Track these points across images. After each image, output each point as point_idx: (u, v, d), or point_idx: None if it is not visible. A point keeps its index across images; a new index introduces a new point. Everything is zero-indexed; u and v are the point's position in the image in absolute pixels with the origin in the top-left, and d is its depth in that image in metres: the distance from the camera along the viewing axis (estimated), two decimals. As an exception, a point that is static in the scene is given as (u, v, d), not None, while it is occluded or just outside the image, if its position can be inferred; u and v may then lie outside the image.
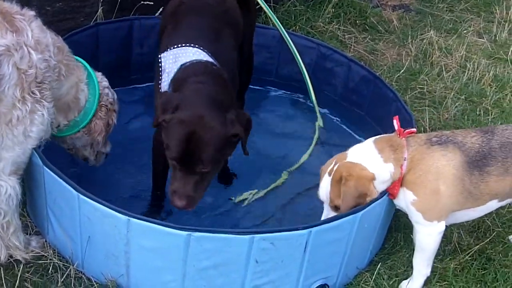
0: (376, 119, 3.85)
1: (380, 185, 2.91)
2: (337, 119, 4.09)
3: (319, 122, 4.00)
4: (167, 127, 2.79)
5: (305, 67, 4.14)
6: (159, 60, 3.07)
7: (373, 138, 2.99)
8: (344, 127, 4.04)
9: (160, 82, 3.06)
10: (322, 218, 2.94)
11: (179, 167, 2.79)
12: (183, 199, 2.80)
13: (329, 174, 2.90)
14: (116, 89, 3.87)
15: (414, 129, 2.95)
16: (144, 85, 4.01)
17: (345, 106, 4.08)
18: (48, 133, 2.84)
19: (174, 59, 3.03)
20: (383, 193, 2.96)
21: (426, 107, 4.26)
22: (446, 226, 2.96)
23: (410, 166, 2.87)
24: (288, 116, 4.11)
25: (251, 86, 3.99)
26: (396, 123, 2.97)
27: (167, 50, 3.07)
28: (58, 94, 2.87)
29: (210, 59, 3.02)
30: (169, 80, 3.00)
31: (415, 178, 2.87)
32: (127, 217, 2.68)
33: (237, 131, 2.81)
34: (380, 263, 3.15)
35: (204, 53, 3.03)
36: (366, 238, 3.06)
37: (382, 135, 3.02)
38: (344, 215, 2.84)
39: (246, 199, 3.44)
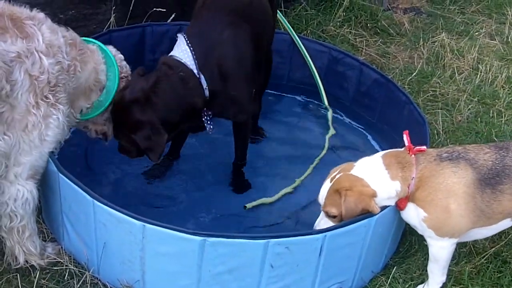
0: (389, 123, 3.86)
1: (384, 201, 2.88)
2: (350, 122, 4.09)
3: (331, 131, 3.99)
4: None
5: (317, 71, 4.15)
6: (176, 38, 3.27)
7: (382, 152, 2.96)
8: (356, 131, 4.04)
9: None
10: (316, 222, 2.93)
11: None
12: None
13: (331, 181, 2.88)
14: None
15: (424, 147, 2.90)
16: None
17: (357, 110, 4.08)
18: (64, 135, 2.88)
19: (176, 46, 3.24)
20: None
21: (439, 110, 4.25)
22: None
23: (419, 184, 2.84)
24: (300, 121, 4.12)
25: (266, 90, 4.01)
26: (406, 138, 2.91)
27: (181, 34, 3.26)
28: (78, 85, 2.92)
29: (190, 62, 3.15)
30: None
31: (425, 196, 2.84)
32: (142, 223, 2.70)
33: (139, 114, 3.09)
34: (395, 267, 3.15)
35: (190, 54, 3.16)
36: (381, 242, 3.06)
37: (391, 150, 2.97)
38: (359, 219, 2.84)
39: (258, 205, 3.45)
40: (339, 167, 2.94)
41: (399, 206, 2.92)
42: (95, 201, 2.77)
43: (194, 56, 3.15)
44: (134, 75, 3.21)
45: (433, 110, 4.27)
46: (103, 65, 3.05)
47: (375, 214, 2.86)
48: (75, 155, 3.50)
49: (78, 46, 2.91)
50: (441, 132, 4.05)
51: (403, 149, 2.92)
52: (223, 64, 3.21)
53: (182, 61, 3.15)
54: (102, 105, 3.10)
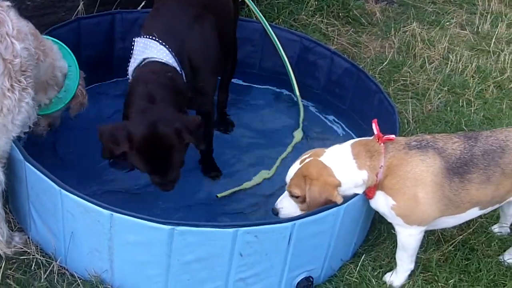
0: (359, 112, 3.87)
1: (351, 190, 2.90)
2: (320, 111, 4.10)
3: (301, 120, 4.01)
4: (129, 156, 2.99)
5: (288, 60, 4.15)
6: (132, 44, 3.21)
7: (352, 141, 2.97)
8: (327, 120, 4.05)
9: (128, 64, 3.21)
10: (278, 200, 2.96)
11: (154, 175, 3.08)
12: (168, 186, 3.12)
13: (300, 163, 2.90)
14: (99, 84, 3.95)
15: (393, 136, 2.91)
16: (126, 78, 3.96)
17: (328, 99, 4.09)
18: (30, 120, 2.88)
19: (142, 49, 3.17)
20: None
21: (409, 99, 4.28)
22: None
23: (388, 172, 2.85)
24: (271, 110, 4.12)
25: (234, 81, 4.00)
26: (375, 127, 2.93)
27: (141, 36, 3.20)
28: (38, 76, 2.94)
29: (172, 59, 3.12)
30: (133, 68, 3.17)
31: (394, 184, 2.85)
32: (110, 212, 2.68)
33: (188, 140, 3.02)
34: (364, 255, 3.17)
35: (168, 52, 3.13)
36: (350, 230, 3.07)
37: (361, 139, 2.99)
38: (328, 208, 2.85)
39: (230, 194, 3.46)
40: (311, 151, 2.96)
41: (368, 194, 2.94)
42: (62, 190, 2.74)
43: (173, 54, 3.13)
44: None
45: (403, 99, 4.30)
46: (59, 62, 3.10)
47: (346, 202, 2.87)
48: (43, 144, 3.45)
49: (39, 37, 2.95)
50: (411, 121, 4.08)
51: (372, 137, 2.94)
52: (193, 58, 3.22)
53: (164, 61, 3.12)
54: (62, 102, 3.16)
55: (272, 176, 3.61)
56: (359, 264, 3.11)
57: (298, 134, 3.92)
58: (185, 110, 3.17)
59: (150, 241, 2.71)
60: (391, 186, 2.86)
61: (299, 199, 2.89)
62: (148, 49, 3.15)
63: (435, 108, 4.27)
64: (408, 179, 2.83)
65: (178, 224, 2.66)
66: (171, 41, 3.16)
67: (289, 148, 3.79)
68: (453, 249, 3.25)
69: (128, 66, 3.23)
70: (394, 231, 3.06)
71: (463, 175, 2.85)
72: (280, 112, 4.10)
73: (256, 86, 4.24)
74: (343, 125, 3.97)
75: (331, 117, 4.06)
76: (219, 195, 3.44)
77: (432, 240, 3.30)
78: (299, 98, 4.12)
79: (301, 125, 3.97)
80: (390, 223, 3.02)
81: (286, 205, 2.94)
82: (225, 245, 2.72)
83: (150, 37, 3.16)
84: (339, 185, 2.86)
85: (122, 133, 2.95)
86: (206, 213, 3.35)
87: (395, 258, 3.08)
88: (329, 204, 2.86)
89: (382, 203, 2.93)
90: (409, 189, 2.84)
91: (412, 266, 3.06)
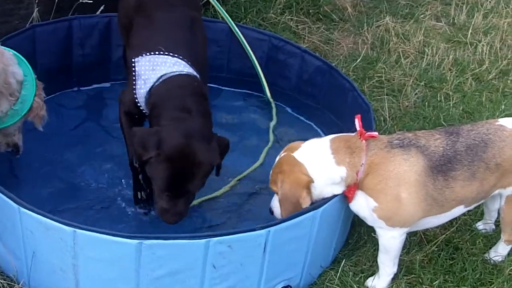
0: (333, 110, 3.88)
1: (327, 189, 2.90)
2: (293, 112, 4.11)
3: (272, 124, 4.01)
4: (153, 163, 2.91)
5: (257, 60, 4.14)
6: (133, 65, 3.11)
7: (332, 136, 2.97)
8: (301, 120, 4.06)
9: (134, 88, 3.11)
10: (271, 201, 2.99)
11: (167, 196, 2.96)
12: (175, 216, 3.00)
13: (278, 158, 2.94)
14: (57, 94, 3.90)
15: (376, 133, 2.92)
16: (88, 87, 3.99)
17: (300, 99, 4.09)
18: None
19: (151, 67, 3.09)
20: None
21: (385, 96, 4.29)
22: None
23: (369, 170, 2.85)
24: (241, 114, 4.11)
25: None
26: (357, 123, 2.93)
27: (142, 55, 3.11)
28: None
29: (191, 69, 3.10)
30: (147, 89, 3.08)
31: (375, 184, 2.85)
32: (72, 228, 2.64)
33: (217, 163, 3.01)
34: (344, 260, 3.17)
35: (184, 63, 3.10)
36: (328, 235, 3.07)
37: (342, 134, 2.98)
38: (304, 212, 2.85)
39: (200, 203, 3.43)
40: (288, 146, 2.98)
41: (348, 196, 2.93)
42: (21, 208, 2.70)
43: (189, 63, 3.11)
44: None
45: (379, 96, 4.31)
46: (13, 67, 3.01)
47: (323, 205, 2.87)
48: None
49: None
50: (387, 118, 4.09)
51: (354, 134, 2.94)
52: (201, 63, 3.23)
53: (185, 72, 3.08)
54: (18, 115, 3.07)
55: (248, 178, 3.60)
56: (340, 270, 3.10)
57: (270, 139, 3.92)
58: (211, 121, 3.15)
59: (117, 257, 2.68)
60: (373, 186, 2.86)
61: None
62: (161, 66, 3.08)
63: (412, 104, 4.28)
64: (391, 178, 2.83)
65: (146, 238, 2.63)
66: (181, 51, 3.12)
67: (263, 155, 3.78)
68: (437, 249, 3.25)
69: (135, 90, 3.12)
70: (375, 234, 3.06)
71: (447, 172, 2.85)
72: (250, 116, 4.10)
73: (225, 89, 4.23)
74: (317, 125, 3.97)
75: (304, 117, 4.07)
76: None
77: (414, 240, 3.30)
78: (270, 98, 4.13)
79: (271, 128, 3.97)
80: (371, 226, 3.02)
81: (276, 204, 2.96)
82: (197, 257, 2.70)
83: (157, 52, 3.09)
84: (310, 182, 2.85)
85: (153, 138, 2.90)
86: (178, 225, 3.23)
87: (377, 262, 3.07)
88: (298, 207, 2.85)
89: (362, 205, 2.92)
90: (392, 189, 2.83)
91: (395, 269, 3.06)
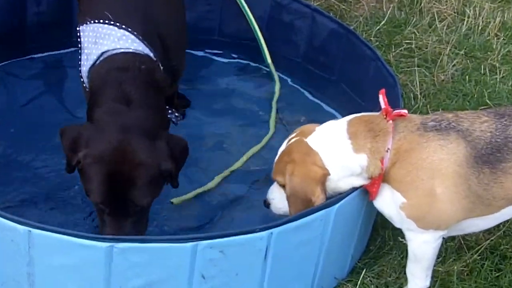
0: (350, 85, 3.90)
1: (347, 181, 2.92)
2: (301, 87, 4.12)
3: (275, 99, 4.03)
4: (82, 167, 2.90)
5: (256, 21, 4.15)
6: (78, 34, 3.14)
7: (351, 116, 2.97)
8: (310, 97, 4.08)
9: (80, 63, 3.15)
10: (269, 190, 3.02)
11: (108, 210, 2.91)
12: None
13: (287, 143, 2.96)
14: (8, 62, 3.91)
15: (405, 111, 2.92)
16: (44, 54, 4.02)
17: (310, 70, 4.10)
18: None
19: (94, 39, 3.10)
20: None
21: (416, 68, 4.30)
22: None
23: (396, 158, 2.85)
24: (236, 89, 4.13)
25: (188, 52, 3.98)
26: (382, 99, 2.93)
27: (86, 23, 3.13)
28: None
29: (141, 46, 3.08)
30: (88, 67, 3.10)
31: (403, 176, 2.86)
32: (27, 227, 2.65)
33: (169, 168, 2.94)
34: (364, 270, 3.18)
35: (133, 37, 3.09)
36: (345, 239, 3.08)
37: (363, 114, 2.98)
38: (315, 210, 2.85)
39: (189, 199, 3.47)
40: (300, 128, 3.00)
41: (371, 190, 2.94)
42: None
43: (140, 37, 3.10)
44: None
45: (408, 68, 4.32)
46: None
47: (339, 201, 2.88)
48: None
49: None
50: (418, 95, 4.10)
51: (378, 113, 2.94)
52: (165, 34, 3.23)
53: (131, 50, 3.07)
54: None
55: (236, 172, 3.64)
56: (359, 283, 3.12)
57: (272, 121, 3.95)
58: (167, 115, 3.16)
59: (82, 264, 2.68)
60: (400, 178, 2.87)
61: (285, 189, 2.93)
62: (104, 39, 3.08)
63: (450, 78, 4.29)
64: (423, 169, 2.84)
65: (118, 240, 2.64)
66: (132, 20, 3.12)
67: (263, 141, 3.82)
68: (479, 257, 3.27)
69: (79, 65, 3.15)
70: (403, 238, 3.07)
71: (495, 164, 2.85)
72: (247, 91, 4.11)
73: (217, 57, 4.25)
74: (330, 104, 4.00)
75: (314, 93, 4.09)
76: (174, 201, 3.44)
77: (452, 247, 3.32)
78: (273, 70, 4.13)
79: (273, 108, 3.98)
80: (398, 228, 3.03)
81: (277, 196, 2.99)
82: (182, 265, 2.71)
83: (102, 21, 3.10)
84: (326, 176, 2.87)
85: (83, 136, 2.90)
86: (161, 225, 3.36)
87: (405, 273, 3.09)
88: (310, 204, 2.86)
89: (387, 201, 2.93)
90: (424, 182, 2.84)
91: (427, 283, 3.07)
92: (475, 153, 2.84)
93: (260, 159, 3.69)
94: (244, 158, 3.69)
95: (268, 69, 4.18)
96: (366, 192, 2.99)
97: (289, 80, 4.16)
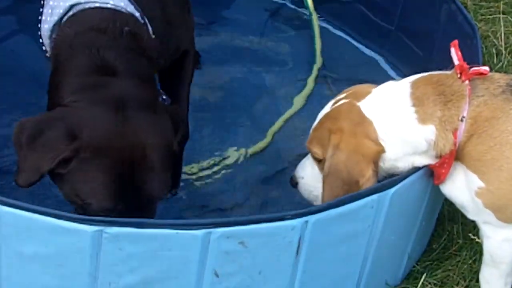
0: (415, 35, 3.94)
1: (407, 161, 2.94)
2: (349, 36, 4.18)
3: (318, 52, 4.09)
4: (72, 171, 2.80)
5: None
6: None
7: (416, 77, 2.99)
8: (360, 49, 4.14)
9: (40, 18, 3.11)
10: (299, 164, 3.08)
11: (115, 215, 2.83)
12: None
13: (331, 107, 2.99)
14: None
15: (486, 68, 2.92)
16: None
17: (361, 15, 4.16)
18: None
19: None
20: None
21: (501, 15, 4.33)
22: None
23: (473, 130, 2.87)
24: (268, 37, 4.20)
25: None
26: (454, 53, 2.94)
27: None
28: None
29: (122, 1, 3.06)
30: (52, 25, 3.07)
31: (482, 153, 2.87)
32: (-9, 205, 2.67)
33: (175, 144, 2.96)
34: (424, 275, 3.21)
35: None
36: (401, 234, 3.10)
37: (430, 73, 2.99)
38: (363, 194, 2.86)
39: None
40: (352, 88, 3.04)
41: (438, 173, 2.95)
42: None
43: None
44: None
45: (490, 15, 4.35)
46: None
47: (395, 185, 2.89)
48: None
49: None
50: (503, 50, 4.12)
51: (450, 71, 2.95)
52: None
53: (110, 6, 3.03)
54: None
55: (266, 149, 3.71)
56: (417, 291, 3.16)
57: (311, 81, 3.99)
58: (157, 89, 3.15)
59: (62, 253, 2.71)
60: (478, 155, 2.88)
61: (322, 165, 2.95)
62: None
63: (545, 29, 4.31)
64: (509, 144, 2.85)
65: (110, 223, 2.65)
66: None
67: (296, 104, 3.88)
68: None
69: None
70: (476, 235, 3.10)
71: None
72: (281, 38, 4.16)
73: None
74: (387, 58, 4.04)
75: (367, 44, 4.16)
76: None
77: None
78: (314, 14, 4.15)
79: (319, 60, 3.99)
80: (472, 221, 3.05)
81: (308, 173, 3.02)
82: (190, 258, 2.73)
83: None
84: (381, 153, 2.89)
85: (58, 128, 2.79)
86: (168, 208, 3.41)
87: (477, 281, 3.11)
88: (354, 189, 2.88)
89: (460, 185, 2.95)
90: (510, 162, 2.85)
91: (506, 294, 3.11)
92: None
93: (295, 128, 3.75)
94: (269, 135, 3.79)
95: (308, 13, 4.23)
96: (431, 173, 3.00)
97: (332, 26, 4.23)
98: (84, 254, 2.68)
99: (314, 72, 4.03)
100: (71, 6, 3.03)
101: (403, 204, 2.99)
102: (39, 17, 3.13)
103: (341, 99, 2.99)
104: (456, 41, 2.99)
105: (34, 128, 2.80)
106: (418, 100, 2.90)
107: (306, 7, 4.21)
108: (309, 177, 3.04)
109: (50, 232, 2.67)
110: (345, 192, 2.89)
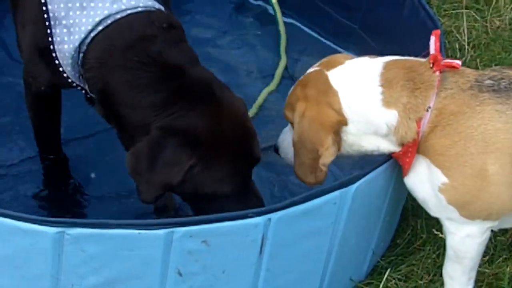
0: (379, 31, 3.94)
1: (366, 141, 2.94)
2: (313, 32, 4.16)
3: (283, 47, 4.09)
4: (198, 173, 2.93)
5: None
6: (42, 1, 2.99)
7: (390, 58, 2.97)
8: (325, 45, 4.12)
9: (51, 41, 2.99)
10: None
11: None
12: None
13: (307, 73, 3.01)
14: None
15: (458, 62, 2.91)
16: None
17: (324, 10, 4.13)
18: None
19: (78, 3, 2.97)
20: (389, 156, 2.98)
21: (464, 10, 4.31)
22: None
23: (438, 121, 2.86)
24: (233, 30, 4.19)
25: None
26: (434, 43, 2.92)
27: None
28: None
29: (150, 1, 3.05)
30: (76, 44, 2.98)
31: (446, 147, 2.85)
32: None
33: None
34: (389, 270, 3.19)
35: None
36: (365, 230, 3.10)
37: (406, 58, 2.99)
38: (327, 191, 2.85)
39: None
40: (327, 58, 3.04)
41: (402, 162, 2.95)
42: None
43: None
44: None
45: (453, 10, 4.33)
46: None
47: (358, 180, 2.88)
48: None
49: None
50: (466, 46, 4.11)
51: (425, 60, 2.94)
52: None
53: (141, 8, 3.02)
54: None
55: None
56: (381, 287, 3.14)
57: (278, 74, 4.01)
58: None
59: (23, 255, 2.69)
60: (442, 149, 2.86)
61: None
62: (94, 0, 2.97)
63: (507, 24, 4.30)
64: (473, 140, 2.83)
65: (72, 225, 2.64)
66: None
67: (259, 100, 3.90)
68: (540, 255, 3.30)
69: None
70: (440, 230, 3.09)
71: None
72: (246, 35, 4.16)
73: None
74: (356, 54, 3.97)
75: (332, 40, 4.14)
76: None
77: (502, 243, 3.34)
78: (278, 11, 4.15)
79: (283, 57, 4.00)
80: (434, 218, 3.04)
81: (287, 138, 3.04)
82: (153, 258, 2.72)
83: None
84: (341, 124, 2.89)
85: (175, 145, 2.89)
86: (123, 207, 3.42)
87: (441, 275, 3.10)
88: (316, 159, 2.88)
89: (423, 179, 2.94)
90: (474, 157, 2.83)
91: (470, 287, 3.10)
92: (543, 124, 2.84)
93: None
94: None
95: (271, 7, 4.23)
96: (393, 169, 3.00)
97: (298, 23, 4.23)
98: (46, 256, 2.67)
99: (280, 68, 4.03)
100: (99, 22, 2.97)
101: (366, 200, 2.99)
102: (48, 39, 3.01)
103: (315, 67, 3.01)
104: (438, 31, 2.99)
105: (149, 154, 2.89)
106: (387, 82, 2.89)
107: (270, 4, 4.22)
108: (287, 142, 3.05)
109: (10, 233, 2.67)
110: (311, 162, 2.91)
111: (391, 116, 2.86)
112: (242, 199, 3.02)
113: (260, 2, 4.33)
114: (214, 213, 2.82)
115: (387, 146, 2.93)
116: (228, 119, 2.97)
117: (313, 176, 2.93)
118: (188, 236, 2.70)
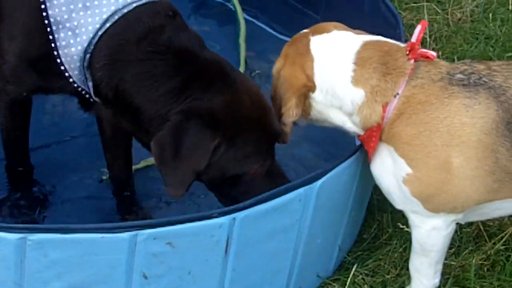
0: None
1: (330, 112, 2.97)
2: (275, 29, 4.19)
3: (242, 40, 4.09)
4: (224, 153, 2.95)
5: None
6: (42, 2, 2.96)
7: (371, 38, 3.00)
8: (286, 41, 4.05)
9: (55, 45, 2.96)
10: None
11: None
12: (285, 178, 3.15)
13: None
14: None
15: (433, 53, 2.94)
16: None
17: (285, 6, 4.16)
18: None
19: (80, 3, 2.95)
20: (355, 149, 2.99)
21: (425, 3, 4.33)
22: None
23: (404, 109, 2.86)
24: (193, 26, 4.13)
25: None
26: (417, 33, 2.96)
27: None
28: None
29: None
30: (84, 46, 2.95)
31: (411, 137, 2.86)
32: None
33: None
34: (355, 266, 3.19)
35: None
36: (331, 226, 3.09)
37: (385, 41, 3.01)
38: (291, 188, 2.85)
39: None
40: (320, 24, 3.12)
41: (367, 147, 2.95)
42: None
43: None
44: None
45: (414, 3, 4.34)
46: None
47: (322, 176, 2.87)
48: None
49: None
50: (428, 38, 4.12)
51: (403, 45, 2.96)
52: None
53: None
54: None
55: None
56: (349, 282, 3.13)
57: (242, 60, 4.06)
58: None
59: (-15, 262, 2.68)
60: (407, 138, 2.87)
61: None
62: None
63: (468, 16, 4.32)
64: (439, 132, 2.84)
65: (33, 230, 2.62)
66: None
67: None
68: (504, 248, 3.29)
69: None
70: (405, 224, 3.09)
71: None
72: (207, 30, 4.16)
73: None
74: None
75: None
76: (104, 177, 3.51)
77: (468, 235, 3.34)
78: (238, 7, 4.16)
79: (242, 52, 4.00)
80: (400, 211, 3.03)
81: None
82: (118, 262, 2.70)
83: None
84: (308, 90, 2.94)
85: (196, 129, 2.90)
86: (98, 211, 3.43)
87: (408, 269, 3.10)
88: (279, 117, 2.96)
89: (389, 167, 2.93)
90: (438, 149, 2.84)
91: (436, 281, 3.09)
92: (508, 118, 2.83)
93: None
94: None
95: (232, 5, 4.25)
96: (358, 165, 3.01)
97: (258, 21, 4.25)
98: (8, 262, 2.66)
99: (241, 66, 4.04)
100: (107, 18, 2.96)
101: (331, 196, 2.99)
102: (52, 44, 2.98)
103: (305, 30, 3.09)
104: (425, 22, 3.05)
105: (172, 140, 2.90)
106: (361, 61, 2.92)
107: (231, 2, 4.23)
108: None
109: (-29, 241, 2.64)
110: (278, 117, 3.00)
111: (357, 95, 2.89)
112: (269, 179, 3.04)
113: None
114: (244, 197, 2.88)
115: (351, 125, 2.96)
116: (245, 97, 3.00)
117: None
118: (152, 239, 2.69)
